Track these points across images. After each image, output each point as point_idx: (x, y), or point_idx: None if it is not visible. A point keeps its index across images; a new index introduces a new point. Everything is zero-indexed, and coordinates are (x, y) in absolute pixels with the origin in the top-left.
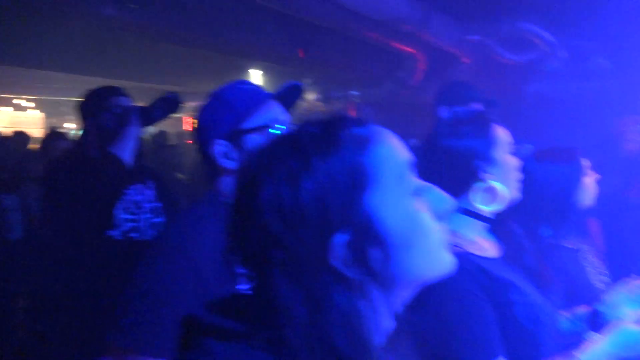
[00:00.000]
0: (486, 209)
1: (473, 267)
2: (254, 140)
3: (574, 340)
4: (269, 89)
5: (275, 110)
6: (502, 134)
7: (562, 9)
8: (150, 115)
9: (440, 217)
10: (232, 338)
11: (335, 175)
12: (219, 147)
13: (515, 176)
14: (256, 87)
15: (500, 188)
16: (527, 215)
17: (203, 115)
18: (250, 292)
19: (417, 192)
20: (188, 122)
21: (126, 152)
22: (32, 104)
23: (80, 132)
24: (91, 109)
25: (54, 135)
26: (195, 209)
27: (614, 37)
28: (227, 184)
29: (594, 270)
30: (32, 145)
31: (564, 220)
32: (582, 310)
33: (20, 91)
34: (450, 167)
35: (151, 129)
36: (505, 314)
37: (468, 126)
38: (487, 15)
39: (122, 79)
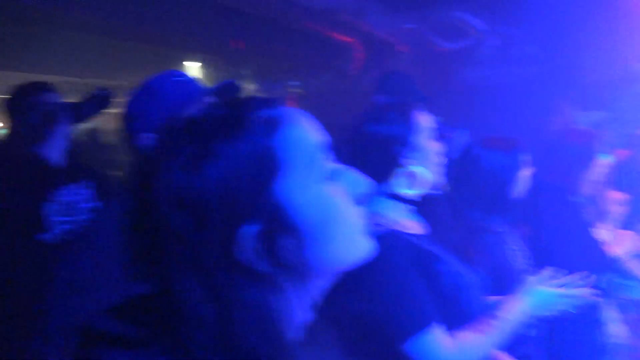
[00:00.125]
0: (408, 192)
1: (400, 241)
2: None
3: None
4: (207, 81)
5: None
6: (423, 121)
7: None
8: (80, 112)
9: (357, 201)
10: (130, 346)
11: (241, 160)
12: (148, 140)
13: (438, 161)
14: (190, 80)
15: (421, 172)
16: (464, 197)
17: (131, 107)
18: (150, 292)
19: (332, 176)
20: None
21: (56, 152)
22: None
23: (6, 131)
24: (17, 106)
25: None
26: (117, 204)
27: (542, 23)
28: None
29: (520, 255)
30: None
31: (497, 206)
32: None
33: None
34: (372, 153)
35: (84, 126)
36: (433, 284)
37: (389, 113)
38: (422, 3)
39: (50, 74)
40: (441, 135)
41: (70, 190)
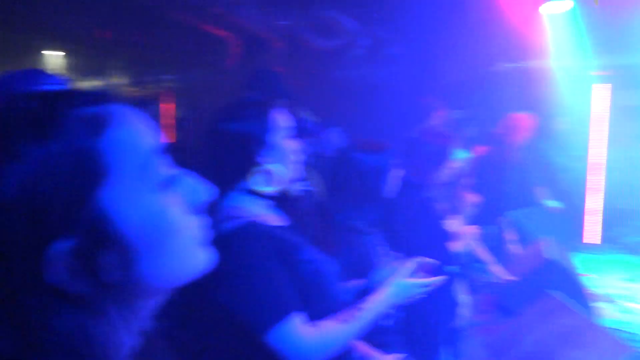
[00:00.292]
0: (265, 189)
1: (259, 230)
2: None
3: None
4: (70, 72)
5: None
6: (282, 120)
7: None
8: None
9: (195, 209)
10: None
11: (55, 165)
12: None
13: (295, 159)
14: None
15: (278, 171)
16: (334, 195)
17: None
18: None
19: (167, 184)
20: None
21: None
22: None
23: None
24: None
25: None
26: None
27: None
28: None
29: (384, 250)
30: None
31: (366, 205)
32: (357, 283)
33: None
34: (229, 150)
35: None
36: (294, 273)
37: (246, 111)
38: (297, 0)
39: None
40: (312, 133)
41: None
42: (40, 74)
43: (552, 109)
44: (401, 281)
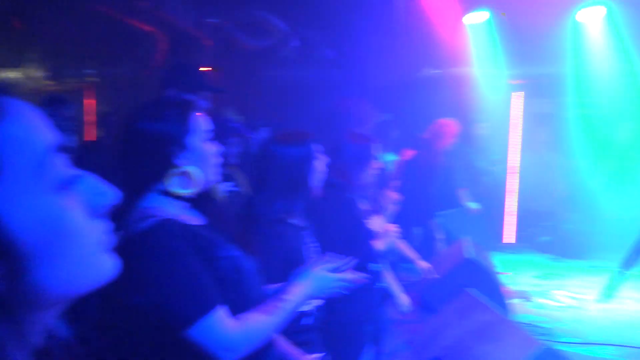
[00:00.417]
0: (181, 192)
1: (175, 228)
2: None
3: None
4: None
5: None
6: (202, 122)
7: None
8: None
9: (98, 213)
10: None
11: None
12: None
13: (214, 162)
14: None
15: (195, 173)
16: (260, 191)
17: None
18: None
19: (66, 185)
20: None
21: None
22: None
23: None
24: None
25: None
26: None
27: (340, 29)
28: None
29: (310, 245)
30: None
31: (294, 198)
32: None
33: None
34: (146, 151)
35: None
36: (213, 269)
37: (165, 112)
38: None
39: None
40: (239, 132)
41: None
42: None
43: (473, 115)
44: (321, 274)
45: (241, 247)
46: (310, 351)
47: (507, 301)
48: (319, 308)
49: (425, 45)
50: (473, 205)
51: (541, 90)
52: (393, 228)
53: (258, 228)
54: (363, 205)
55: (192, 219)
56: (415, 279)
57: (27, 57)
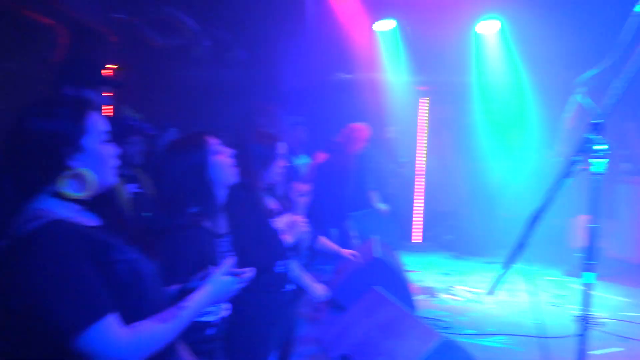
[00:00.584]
0: (75, 195)
1: (65, 229)
2: None
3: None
4: None
5: None
6: (99, 123)
7: None
8: None
9: None
10: None
11: None
12: None
13: (111, 164)
14: None
15: (89, 176)
16: (167, 199)
17: None
18: None
19: None
20: None
21: None
22: None
23: None
24: None
25: None
26: None
27: (251, 31)
28: None
29: (221, 247)
30: None
31: (203, 200)
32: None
33: None
34: (37, 151)
35: None
36: (108, 273)
37: (59, 110)
38: None
39: None
40: (141, 132)
41: None
42: None
43: (382, 119)
44: (220, 278)
45: (142, 250)
46: None
47: (414, 297)
48: (223, 319)
49: (337, 50)
50: (383, 206)
51: (446, 96)
52: (301, 220)
53: (164, 232)
54: (270, 204)
55: (87, 220)
56: (325, 279)
57: None
